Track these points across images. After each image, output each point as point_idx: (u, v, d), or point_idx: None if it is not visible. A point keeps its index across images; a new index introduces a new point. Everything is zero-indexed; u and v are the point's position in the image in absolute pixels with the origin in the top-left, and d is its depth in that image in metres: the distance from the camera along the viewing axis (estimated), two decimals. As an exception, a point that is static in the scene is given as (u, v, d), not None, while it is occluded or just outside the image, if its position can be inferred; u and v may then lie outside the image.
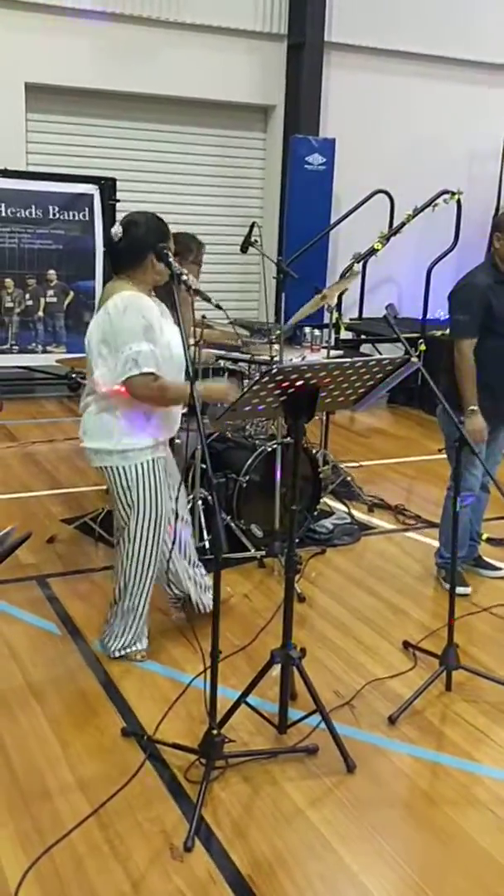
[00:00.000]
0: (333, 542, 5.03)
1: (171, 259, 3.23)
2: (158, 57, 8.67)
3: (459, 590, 4.26)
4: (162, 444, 3.53)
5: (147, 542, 3.52)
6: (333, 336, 7.17)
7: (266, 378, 2.82)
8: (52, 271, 7.97)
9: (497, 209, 9.16)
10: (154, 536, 3.53)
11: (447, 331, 4.37)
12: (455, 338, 4.22)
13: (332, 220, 9.07)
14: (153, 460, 3.47)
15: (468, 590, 4.42)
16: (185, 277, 3.21)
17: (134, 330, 3.25)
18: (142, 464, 3.44)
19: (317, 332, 6.72)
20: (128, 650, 3.66)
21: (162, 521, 3.54)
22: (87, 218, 8.01)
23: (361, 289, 9.37)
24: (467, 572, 4.60)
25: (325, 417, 5.95)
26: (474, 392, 4.14)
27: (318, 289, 5.33)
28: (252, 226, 4.71)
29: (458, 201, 8.32)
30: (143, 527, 3.50)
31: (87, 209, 8.00)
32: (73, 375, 8.41)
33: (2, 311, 7.86)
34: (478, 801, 2.92)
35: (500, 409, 4.32)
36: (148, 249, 3.30)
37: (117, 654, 3.65)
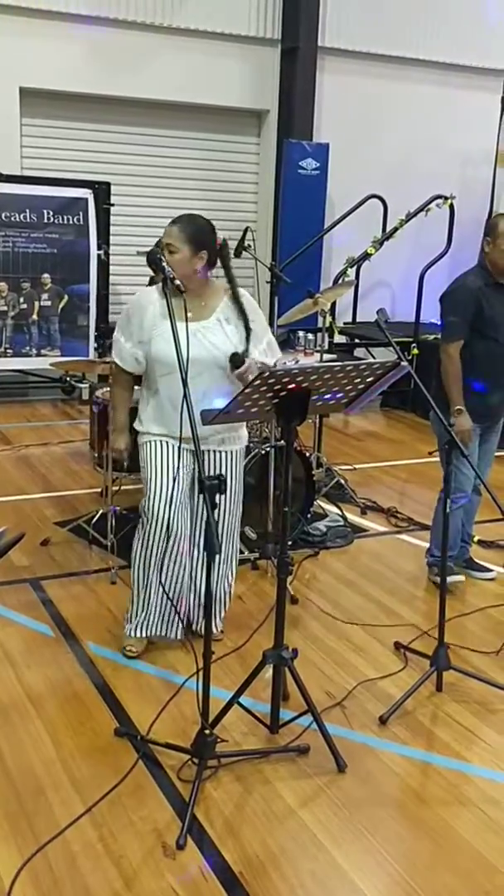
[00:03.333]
0: (326, 544, 5.06)
1: (163, 262, 3.27)
2: (153, 62, 8.70)
3: (451, 578, 4.31)
4: (167, 438, 3.56)
5: (147, 524, 3.57)
6: (327, 340, 7.21)
7: (258, 381, 2.85)
8: (46, 275, 7.99)
9: (489, 214, 9.20)
10: (157, 520, 3.54)
11: (439, 335, 4.41)
12: (443, 339, 4.27)
13: (326, 225, 9.11)
14: (157, 441, 3.58)
15: (461, 578, 4.46)
16: (177, 281, 3.25)
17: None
18: (146, 443, 3.62)
19: (310, 335, 6.76)
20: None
21: (167, 509, 3.54)
22: (81, 222, 8.03)
23: (355, 293, 9.40)
24: (459, 573, 4.63)
25: (318, 421, 5.98)
26: (460, 392, 4.19)
27: (310, 292, 5.36)
28: (245, 230, 4.73)
29: (451, 206, 8.38)
30: (145, 507, 3.58)
31: (81, 213, 8.02)
32: (68, 379, 8.48)
33: (-4, 314, 7.89)
34: (468, 801, 2.95)
35: (490, 411, 4.36)
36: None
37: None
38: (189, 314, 3.38)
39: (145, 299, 3.55)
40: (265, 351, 3.59)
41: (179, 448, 3.52)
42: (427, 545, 4.74)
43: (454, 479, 4.23)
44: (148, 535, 3.59)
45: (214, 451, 3.63)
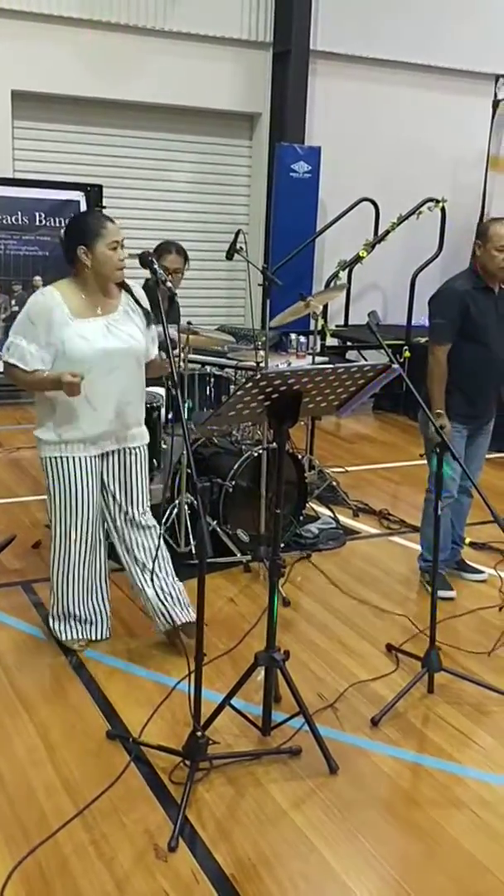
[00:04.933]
0: (319, 546, 5.07)
1: (155, 266, 3.30)
2: (145, 65, 8.71)
3: (444, 594, 4.31)
4: (75, 444, 3.54)
5: (60, 537, 3.60)
6: (319, 343, 7.22)
7: (250, 384, 2.86)
8: (38, 277, 7.98)
9: (481, 217, 9.23)
10: (67, 534, 3.58)
11: (428, 336, 4.43)
12: (430, 341, 4.28)
13: (318, 228, 9.13)
14: (60, 459, 3.54)
15: (453, 594, 4.46)
16: (168, 283, 3.29)
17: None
18: (47, 458, 3.57)
19: (302, 338, 6.78)
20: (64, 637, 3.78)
21: (78, 523, 3.57)
22: (73, 225, 8.02)
23: (347, 296, 9.42)
24: (450, 576, 4.65)
25: (311, 423, 5.99)
26: (442, 394, 4.21)
27: (302, 295, 5.37)
28: (238, 233, 4.74)
29: (443, 209, 8.40)
30: (55, 522, 3.61)
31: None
32: (60, 381, 8.47)
33: (-13, 316, 7.89)
34: (459, 802, 2.96)
35: (478, 413, 4.38)
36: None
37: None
38: (98, 310, 3.47)
39: (50, 301, 3.49)
40: (154, 339, 3.71)
41: (91, 457, 3.55)
42: (418, 547, 4.74)
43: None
44: (70, 553, 3.62)
45: (129, 449, 3.64)
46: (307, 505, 5.23)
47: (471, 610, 4.35)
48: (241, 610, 4.23)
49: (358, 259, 8.53)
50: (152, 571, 3.68)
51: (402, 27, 9.50)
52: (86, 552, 3.65)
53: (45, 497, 3.67)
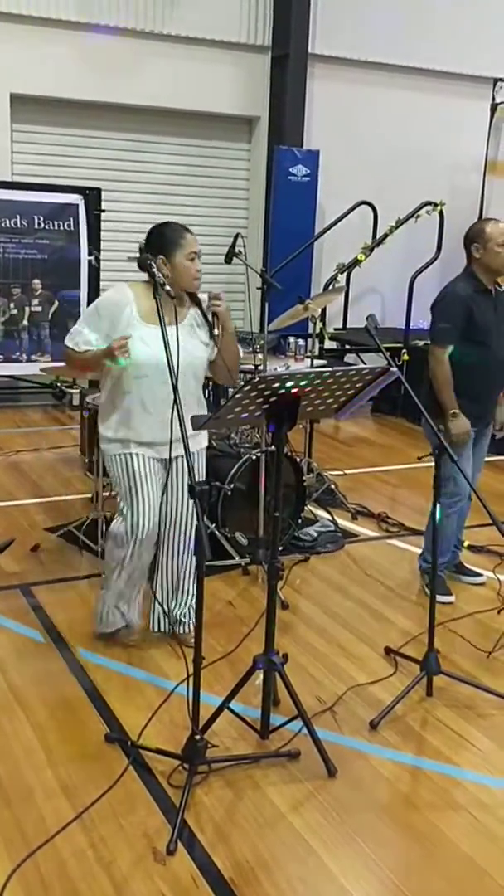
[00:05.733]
0: (317, 549, 5.07)
1: (154, 269, 3.30)
2: (144, 68, 8.72)
3: (442, 598, 4.31)
4: (131, 443, 3.58)
5: (127, 533, 3.60)
6: (318, 346, 7.22)
7: (249, 387, 2.86)
8: (37, 281, 7.99)
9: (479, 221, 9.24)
10: (137, 528, 3.58)
11: (429, 339, 4.44)
12: (434, 345, 4.29)
13: (317, 232, 9.14)
14: (118, 456, 3.59)
15: (451, 598, 4.46)
16: (167, 287, 3.29)
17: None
18: (107, 454, 3.65)
19: (301, 341, 6.78)
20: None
21: (132, 519, 3.57)
22: (72, 228, 8.04)
23: (346, 299, 9.43)
24: (449, 579, 4.65)
25: (309, 426, 5.99)
26: (453, 396, 4.21)
27: (301, 298, 5.37)
28: (236, 237, 4.74)
29: (441, 212, 8.41)
30: (130, 524, 3.60)
31: (72, 219, 8.03)
32: (58, 384, 8.47)
33: (-14, 320, 7.90)
34: (457, 805, 2.96)
35: (483, 414, 4.40)
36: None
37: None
38: (166, 318, 3.43)
39: (122, 298, 3.51)
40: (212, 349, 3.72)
41: (148, 458, 3.58)
42: (417, 550, 4.75)
43: (453, 485, 4.27)
44: (131, 552, 3.62)
45: (181, 457, 3.64)
46: (306, 508, 5.23)
47: (469, 613, 4.35)
48: (239, 613, 4.23)
49: (356, 262, 8.54)
50: (181, 588, 3.82)
51: (400, 31, 9.51)
52: (138, 550, 3.64)
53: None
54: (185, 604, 3.86)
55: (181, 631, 3.86)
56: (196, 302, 3.60)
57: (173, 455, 3.55)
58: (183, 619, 3.87)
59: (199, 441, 3.75)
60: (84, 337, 3.55)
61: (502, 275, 4.31)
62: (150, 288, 3.37)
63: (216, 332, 3.57)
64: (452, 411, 4.21)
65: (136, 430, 3.56)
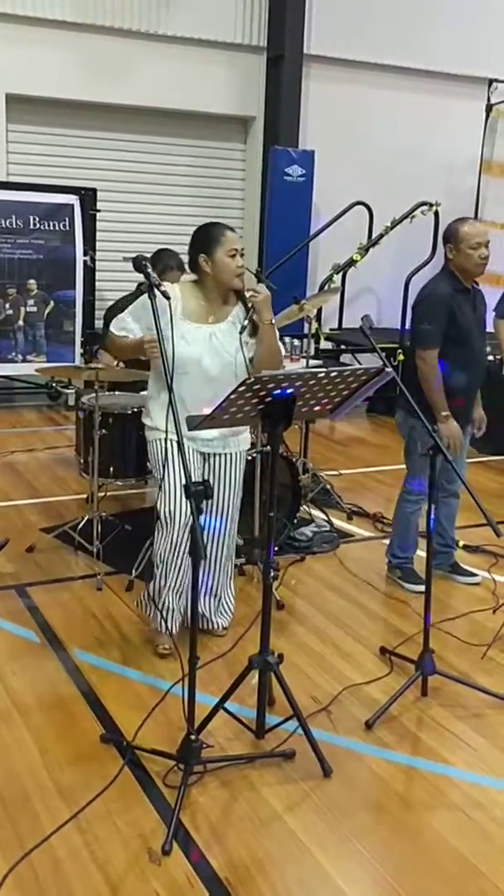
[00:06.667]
0: (313, 549, 5.07)
1: (149, 270, 3.30)
2: (139, 68, 8.72)
3: (414, 588, 4.39)
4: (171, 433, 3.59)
5: (163, 520, 3.62)
6: (313, 346, 7.23)
7: (244, 387, 2.87)
8: (32, 281, 7.99)
9: (474, 221, 9.24)
10: (170, 515, 3.60)
11: (411, 342, 4.45)
12: (420, 347, 4.28)
13: (312, 232, 9.14)
14: (156, 441, 3.66)
15: (421, 588, 4.45)
16: (163, 287, 3.29)
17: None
18: (149, 440, 3.75)
19: (296, 341, 6.78)
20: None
21: (167, 509, 3.60)
22: (67, 228, 8.03)
23: (341, 299, 9.43)
24: (444, 579, 4.66)
25: (304, 426, 5.99)
26: (443, 397, 4.22)
27: (296, 299, 5.38)
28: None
29: (436, 213, 8.41)
30: (168, 508, 3.63)
31: (67, 219, 8.02)
32: (53, 385, 8.47)
33: (-18, 320, 7.89)
34: (452, 805, 2.96)
35: (466, 412, 4.41)
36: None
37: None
38: (210, 318, 3.53)
39: (168, 294, 3.45)
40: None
41: (188, 448, 3.60)
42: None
43: (416, 480, 4.30)
44: (172, 538, 3.64)
45: (229, 455, 3.73)
46: (301, 508, 5.23)
47: (464, 613, 4.36)
48: (234, 613, 4.23)
49: (352, 263, 8.55)
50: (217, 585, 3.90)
51: (396, 31, 9.51)
52: (178, 539, 3.64)
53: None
54: (220, 601, 3.94)
55: (210, 628, 3.94)
56: (242, 300, 3.63)
57: (213, 452, 3.64)
58: (217, 618, 3.95)
59: (243, 442, 3.81)
60: (126, 324, 3.67)
61: (475, 276, 4.31)
62: (197, 287, 3.53)
63: (245, 323, 3.58)
64: (444, 413, 4.21)
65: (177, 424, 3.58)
